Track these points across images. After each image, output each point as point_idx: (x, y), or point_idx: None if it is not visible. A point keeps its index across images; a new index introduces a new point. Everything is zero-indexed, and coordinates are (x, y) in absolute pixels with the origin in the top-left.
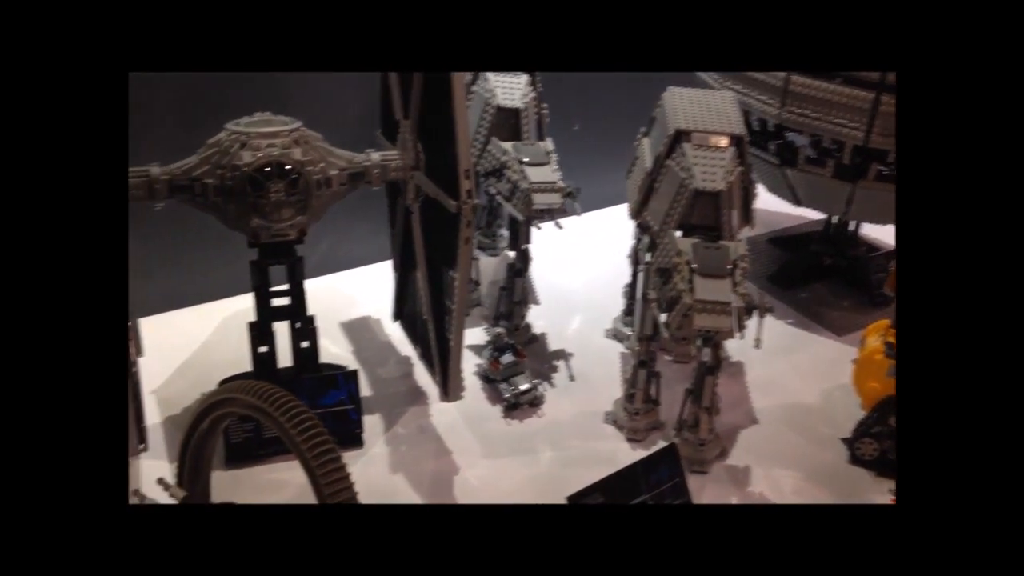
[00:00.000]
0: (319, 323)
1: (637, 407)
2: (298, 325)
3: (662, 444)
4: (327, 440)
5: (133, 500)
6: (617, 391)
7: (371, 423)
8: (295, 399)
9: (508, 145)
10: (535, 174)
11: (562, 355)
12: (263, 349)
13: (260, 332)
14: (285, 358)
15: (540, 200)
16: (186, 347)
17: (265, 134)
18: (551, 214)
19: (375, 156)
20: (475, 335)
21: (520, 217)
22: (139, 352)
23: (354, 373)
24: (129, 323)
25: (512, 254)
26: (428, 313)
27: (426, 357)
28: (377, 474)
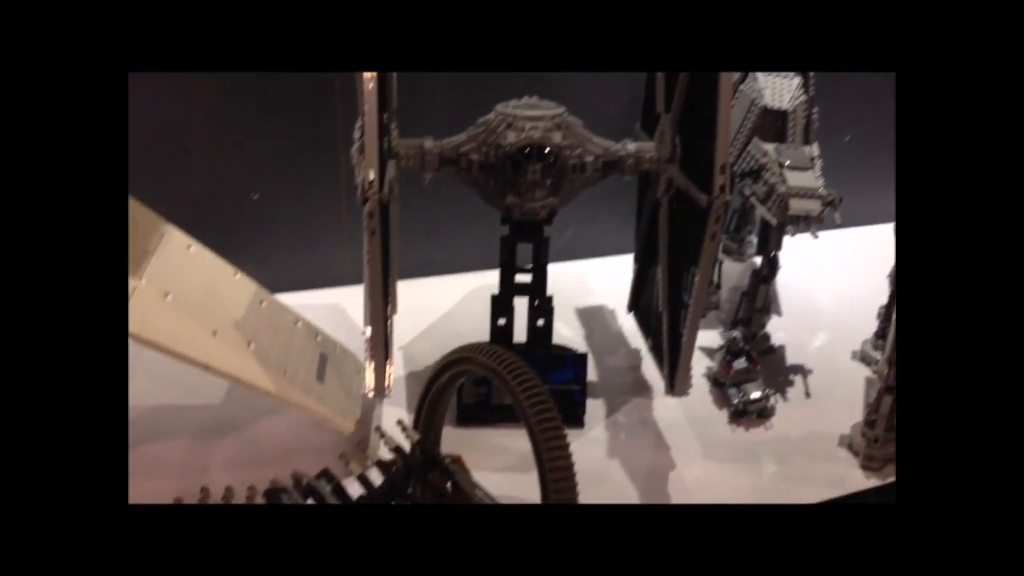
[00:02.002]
0: (556, 306)
1: (877, 434)
2: (536, 303)
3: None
4: (553, 411)
5: (375, 436)
6: (856, 415)
7: (594, 407)
8: (528, 368)
9: (770, 147)
10: (795, 179)
11: (800, 370)
12: (502, 322)
13: (501, 305)
14: (520, 334)
15: (797, 206)
16: (434, 312)
17: (530, 117)
18: (807, 222)
19: (631, 146)
20: (709, 338)
21: (773, 222)
22: (394, 310)
23: (583, 356)
24: (389, 282)
25: (759, 260)
26: (664, 306)
27: (656, 350)
28: (594, 456)
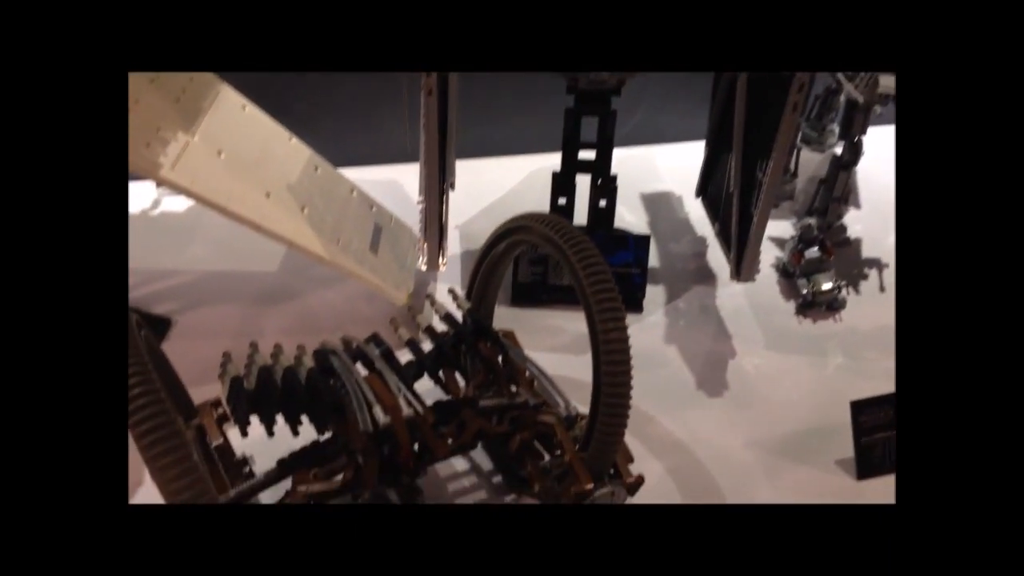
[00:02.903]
0: (621, 191)
1: None
2: (600, 181)
3: None
4: (612, 285)
5: (425, 303)
6: None
7: (654, 293)
8: (588, 240)
9: None
10: None
11: (876, 264)
12: (562, 201)
13: (562, 183)
14: (581, 216)
15: (888, 83)
16: (492, 192)
17: None
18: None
19: None
20: (780, 229)
21: (860, 100)
22: (451, 186)
23: (646, 238)
24: (447, 160)
25: (839, 150)
26: (736, 185)
27: (723, 235)
28: (652, 341)
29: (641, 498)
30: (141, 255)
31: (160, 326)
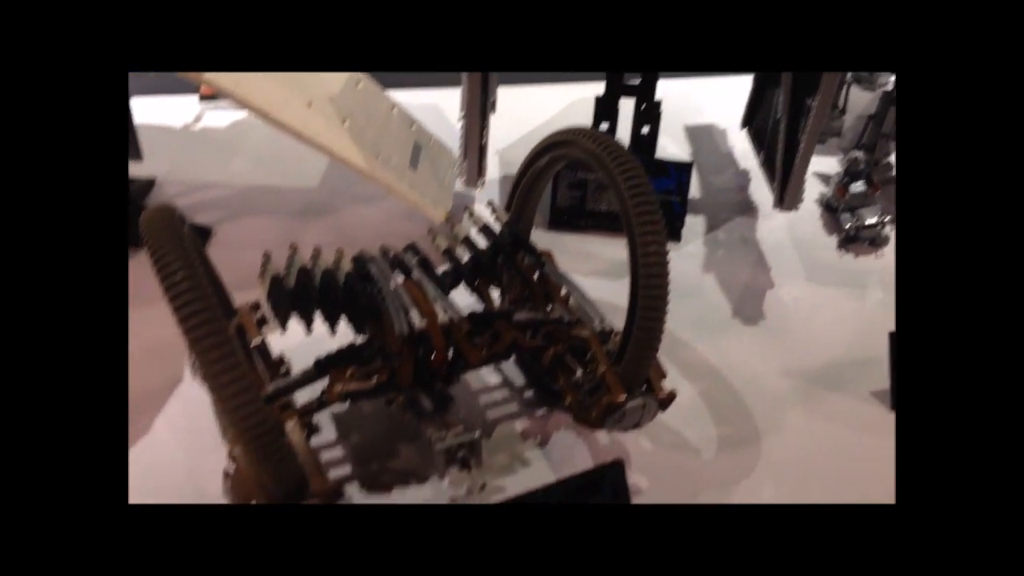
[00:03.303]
0: (664, 123)
1: None
2: (643, 106)
3: None
4: (654, 200)
5: (464, 215)
6: None
7: (693, 222)
8: (632, 157)
9: None
10: None
11: None
12: (604, 126)
13: (605, 106)
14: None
15: None
16: (534, 119)
17: None
18: None
19: None
20: (826, 164)
21: None
22: (493, 110)
23: (688, 165)
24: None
25: (891, 87)
26: (784, 111)
27: (768, 164)
28: (690, 269)
29: (673, 420)
30: (184, 167)
31: (200, 235)
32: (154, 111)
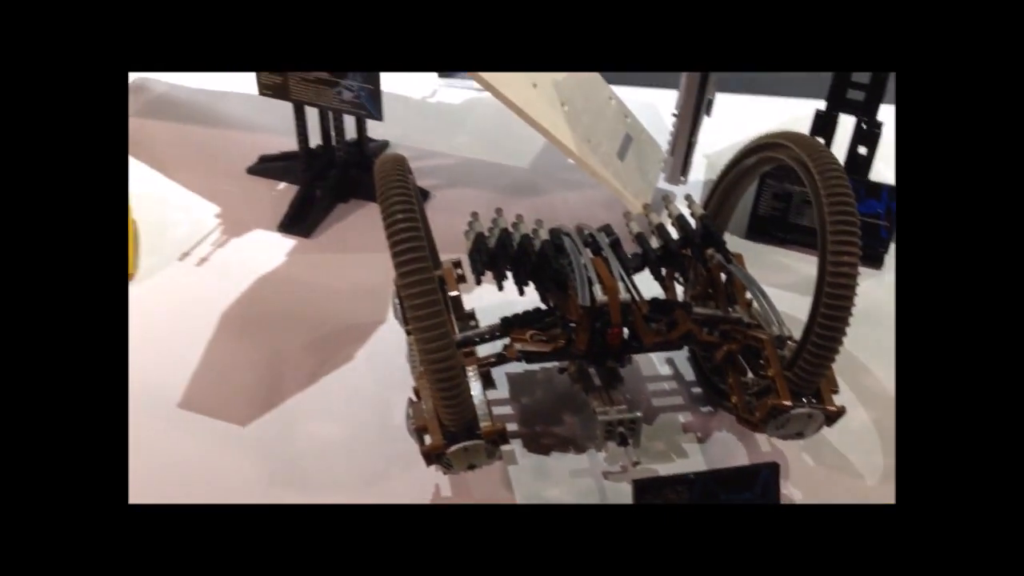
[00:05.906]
0: (883, 149)
1: None
2: (865, 125)
3: None
4: (854, 216)
5: (661, 204)
6: None
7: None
8: (843, 171)
9: None
10: None
11: None
12: (820, 140)
13: (824, 121)
14: None
15: None
16: (747, 129)
17: None
18: None
19: None
20: None
21: None
22: (708, 112)
23: None
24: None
25: None
26: None
27: None
28: (883, 298)
29: (840, 441)
30: (414, 135)
31: (421, 195)
32: (399, 82)
